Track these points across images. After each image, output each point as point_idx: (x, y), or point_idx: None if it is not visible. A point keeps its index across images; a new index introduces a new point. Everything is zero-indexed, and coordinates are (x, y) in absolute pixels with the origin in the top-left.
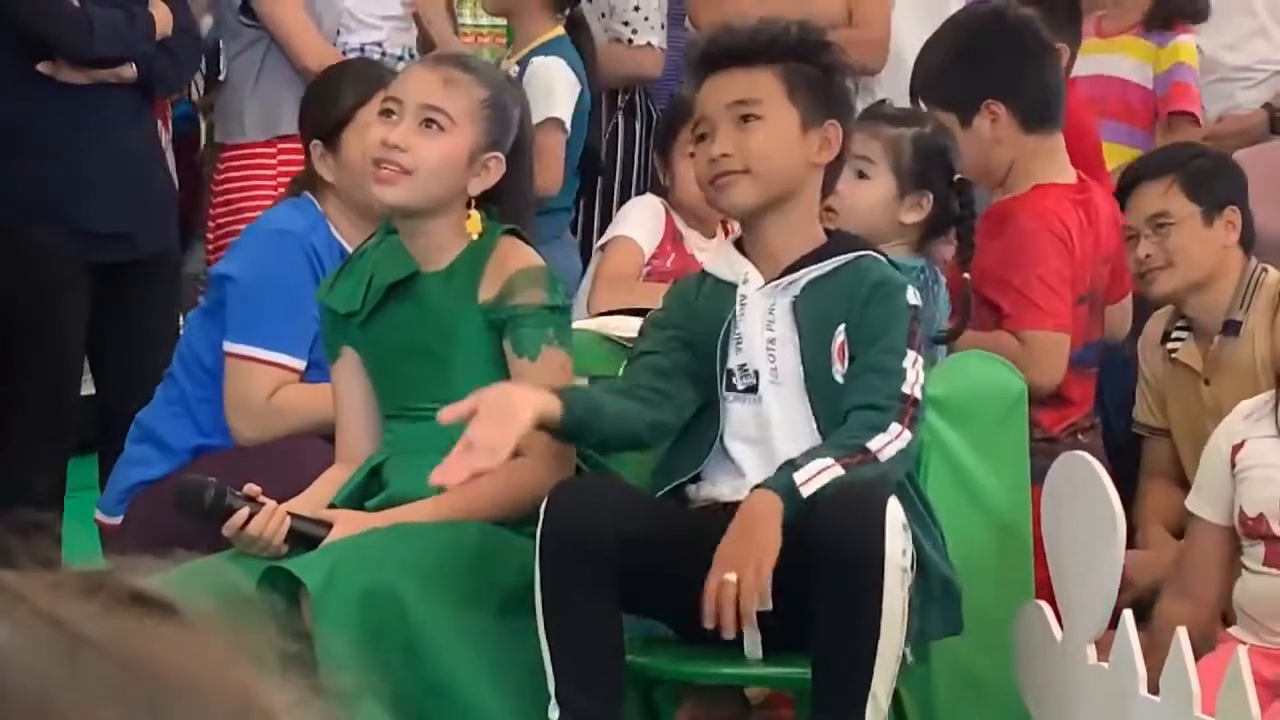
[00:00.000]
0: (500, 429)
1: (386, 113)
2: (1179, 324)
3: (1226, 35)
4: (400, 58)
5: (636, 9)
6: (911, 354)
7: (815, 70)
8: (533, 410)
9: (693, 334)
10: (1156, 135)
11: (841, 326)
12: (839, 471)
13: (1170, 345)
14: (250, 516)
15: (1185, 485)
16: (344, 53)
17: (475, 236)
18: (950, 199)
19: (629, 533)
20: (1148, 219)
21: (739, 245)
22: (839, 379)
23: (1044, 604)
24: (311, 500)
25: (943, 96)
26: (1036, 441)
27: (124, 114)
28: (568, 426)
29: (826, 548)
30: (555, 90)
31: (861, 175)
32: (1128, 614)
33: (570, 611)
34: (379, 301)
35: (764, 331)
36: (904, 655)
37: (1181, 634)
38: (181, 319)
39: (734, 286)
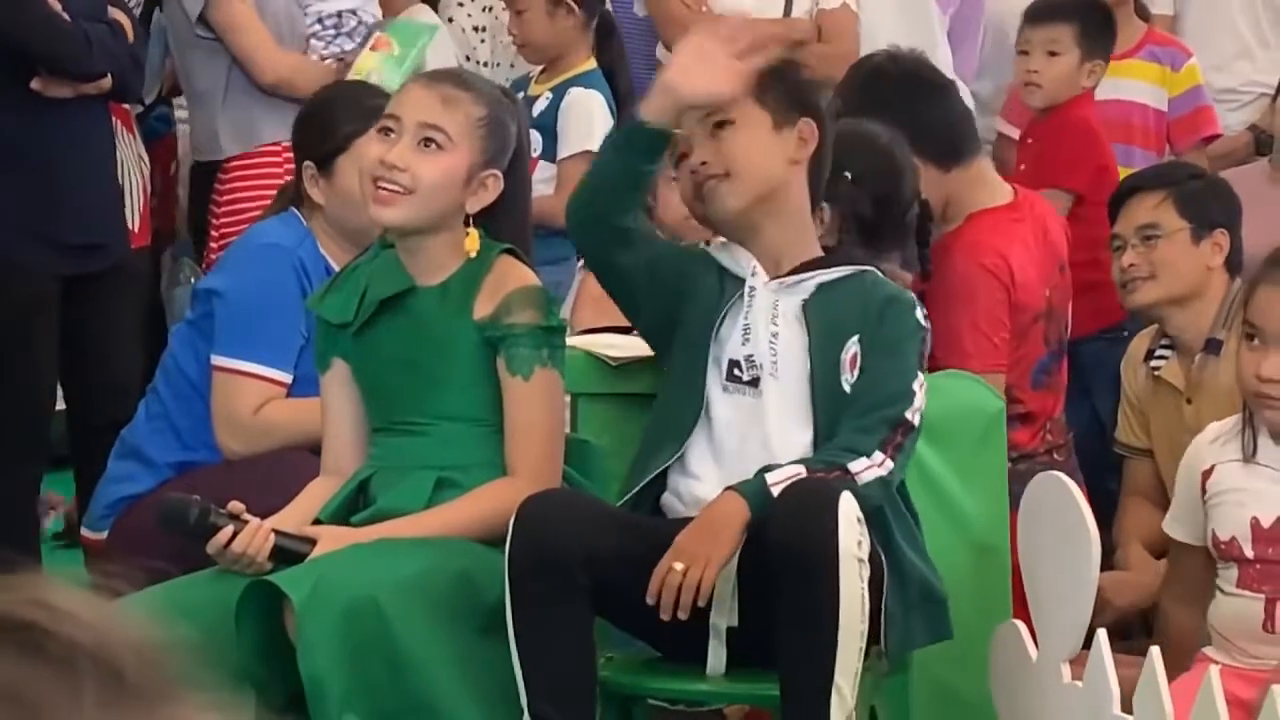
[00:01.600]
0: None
1: (385, 130)
2: (1162, 342)
3: (1212, 56)
4: (374, 28)
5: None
6: (920, 376)
7: (779, 71)
8: None
9: (680, 298)
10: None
11: (855, 339)
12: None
13: (1153, 363)
14: (234, 534)
15: (1166, 505)
16: (319, 20)
17: (473, 254)
18: (861, 202)
19: (597, 547)
20: (1137, 228)
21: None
22: (847, 388)
23: (1019, 623)
24: (295, 514)
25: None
26: (1014, 461)
27: (92, 123)
28: None
29: (782, 541)
30: (595, 125)
31: None
32: (1102, 633)
33: (540, 626)
34: (372, 314)
35: (768, 325)
36: (869, 651)
37: (1154, 654)
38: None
39: (736, 279)
